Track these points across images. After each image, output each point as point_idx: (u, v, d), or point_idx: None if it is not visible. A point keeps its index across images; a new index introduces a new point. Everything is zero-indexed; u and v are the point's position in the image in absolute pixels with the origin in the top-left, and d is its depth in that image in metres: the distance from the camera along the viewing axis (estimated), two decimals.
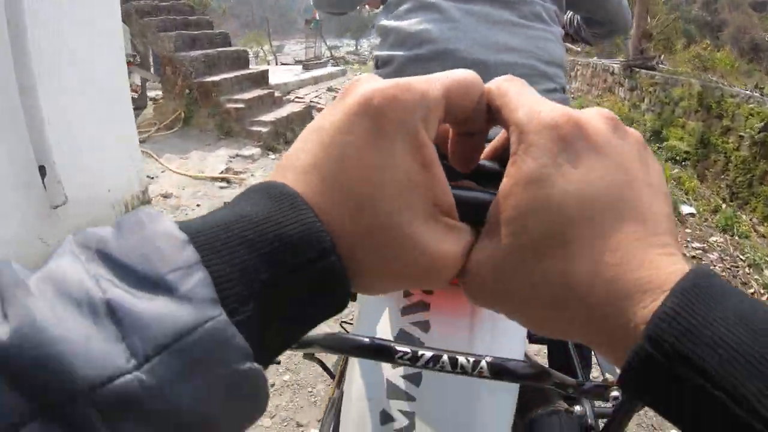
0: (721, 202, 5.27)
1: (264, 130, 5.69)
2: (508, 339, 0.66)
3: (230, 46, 6.99)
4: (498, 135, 0.34)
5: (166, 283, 0.19)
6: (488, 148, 0.33)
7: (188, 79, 5.98)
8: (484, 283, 0.27)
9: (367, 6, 1.40)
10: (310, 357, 0.82)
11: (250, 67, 7.04)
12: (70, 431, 0.16)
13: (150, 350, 0.18)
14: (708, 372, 0.19)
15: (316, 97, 8.65)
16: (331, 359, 1.05)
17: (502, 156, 0.32)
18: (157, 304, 0.19)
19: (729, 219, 4.66)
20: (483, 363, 0.48)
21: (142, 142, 5.59)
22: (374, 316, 0.69)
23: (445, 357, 0.48)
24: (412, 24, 1.03)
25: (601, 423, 0.67)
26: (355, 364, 0.66)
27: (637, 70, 8.17)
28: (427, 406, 0.60)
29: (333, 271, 0.24)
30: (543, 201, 0.24)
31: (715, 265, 3.78)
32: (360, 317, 0.75)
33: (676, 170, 6.04)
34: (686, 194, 5.52)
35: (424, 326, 0.65)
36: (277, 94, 6.67)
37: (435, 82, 0.27)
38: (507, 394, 0.64)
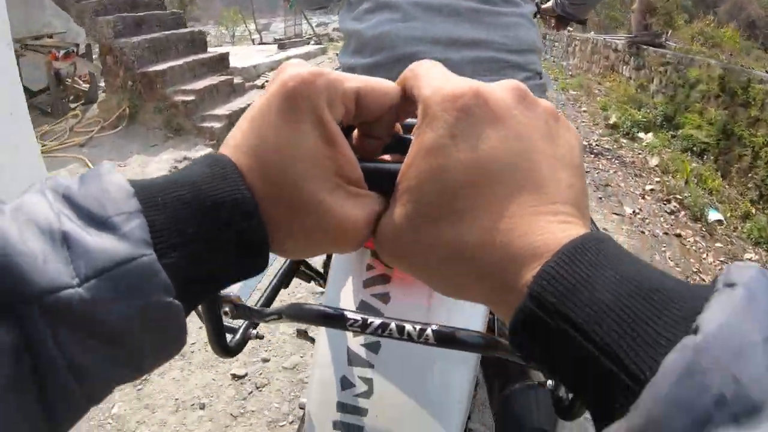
0: (750, 205, 4.53)
1: (217, 125, 4.86)
2: (466, 312, 0.69)
3: (185, 27, 6.09)
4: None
5: (112, 223, 0.23)
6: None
7: (131, 69, 5.11)
8: (388, 245, 0.29)
9: None
10: (303, 336, 0.91)
11: (209, 50, 6.14)
12: (19, 326, 0.20)
13: (91, 272, 0.22)
14: (583, 328, 0.21)
15: None
16: None
17: None
18: (102, 239, 0.23)
19: (763, 230, 3.94)
20: (429, 330, 0.49)
21: (82, 145, 4.87)
22: (339, 289, 0.74)
23: (393, 324, 0.50)
24: (369, 27, 0.99)
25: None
26: (322, 333, 0.71)
27: (644, 47, 7.35)
28: (385, 373, 0.66)
29: (254, 231, 0.27)
30: (437, 170, 0.26)
31: None
32: (327, 290, 0.77)
33: (694, 164, 5.28)
34: (710, 194, 4.78)
35: (384, 298, 0.70)
36: (237, 80, 5.79)
37: (353, 80, 0.30)
38: (464, 365, 0.67)
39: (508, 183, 0.25)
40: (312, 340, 0.92)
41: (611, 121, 6.72)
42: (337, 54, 10.80)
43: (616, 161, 5.40)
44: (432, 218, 0.27)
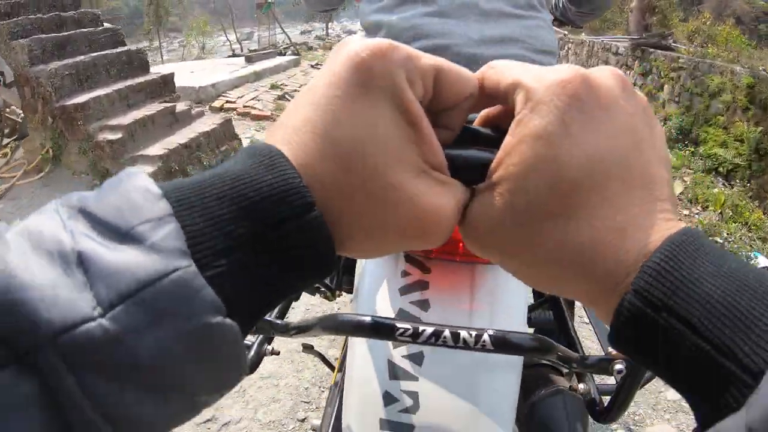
0: None
1: (149, 169, 3.95)
2: (508, 315, 0.65)
3: (123, 45, 5.17)
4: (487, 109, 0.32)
5: (136, 233, 0.19)
6: (479, 118, 0.32)
7: (49, 102, 4.19)
8: (483, 237, 0.27)
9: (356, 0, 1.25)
10: (309, 350, 0.84)
11: (152, 71, 5.22)
12: (40, 377, 0.17)
13: (115, 298, 0.18)
14: (693, 324, 0.20)
15: (253, 99, 6.88)
16: (329, 352, 1.18)
17: (495, 124, 0.31)
18: (125, 254, 0.19)
19: None
20: (485, 336, 0.47)
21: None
22: (372, 297, 0.69)
23: (447, 332, 0.47)
24: (402, 19, 0.98)
25: (606, 400, 0.62)
26: (355, 347, 0.66)
27: (651, 50, 6.56)
28: (431, 385, 0.61)
29: (314, 227, 0.23)
30: (548, 161, 0.24)
31: None
32: (358, 299, 0.74)
33: (719, 187, 4.48)
34: (749, 230, 3.97)
35: (424, 305, 0.65)
36: (182, 106, 4.85)
37: (430, 58, 0.27)
38: (510, 372, 0.63)
39: (623, 178, 0.24)
40: (318, 354, 0.90)
41: None
42: (312, 65, 9.91)
43: None
44: (540, 212, 0.24)
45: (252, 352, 0.61)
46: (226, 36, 18.67)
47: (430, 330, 0.46)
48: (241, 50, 13.62)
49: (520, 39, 0.97)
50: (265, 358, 0.63)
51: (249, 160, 0.24)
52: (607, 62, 7.85)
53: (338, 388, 0.77)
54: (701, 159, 5.06)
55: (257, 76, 8.07)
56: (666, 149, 0.27)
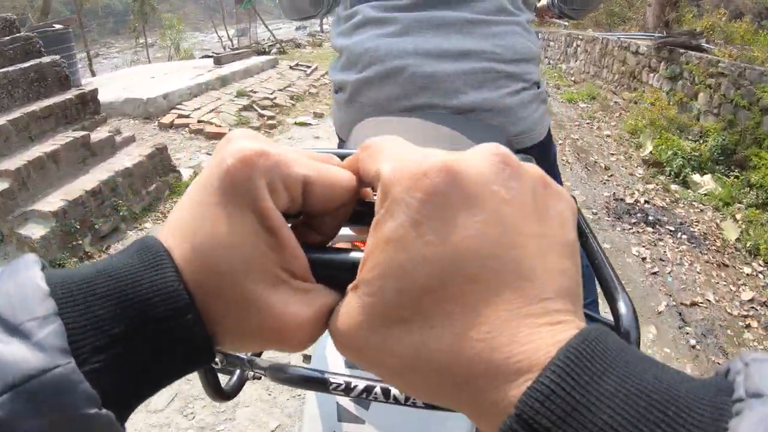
0: None
1: (41, 232, 2.91)
2: None
3: (39, 55, 4.12)
4: None
5: (24, 330, 0.21)
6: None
7: None
8: (344, 341, 0.25)
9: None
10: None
11: (73, 88, 4.17)
12: None
13: (1, 387, 0.20)
14: None
15: (213, 111, 5.84)
16: None
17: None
18: (13, 348, 0.21)
19: None
20: None
21: None
22: (325, 348, 0.72)
23: (378, 387, 0.48)
24: (359, 42, 0.96)
25: None
26: (310, 392, 0.68)
27: (680, 50, 5.54)
28: (376, 429, 0.63)
29: (190, 326, 0.24)
30: (397, 266, 0.22)
31: None
32: (314, 348, 0.75)
33: None
34: None
35: None
36: (102, 135, 3.78)
37: (302, 165, 0.26)
38: (460, 425, 0.64)
39: (486, 280, 0.21)
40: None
41: (645, 153, 4.93)
42: (291, 66, 8.88)
43: (682, 234, 3.59)
44: (394, 318, 0.23)
45: (234, 379, 0.60)
46: (217, 33, 17.66)
47: (362, 385, 0.47)
48: (233, 47, 12.53)
49: (485, 50, 0.91)
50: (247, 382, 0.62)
51: (136, 257, 0.25)
52: (625, 62, 6.84)
53: None
54: (751, 191, 4.08)
55: (223, 81, 7.01)
56: (567, 230, 0.24)
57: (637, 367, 0.19)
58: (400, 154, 0.25)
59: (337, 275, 0.27)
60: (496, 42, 0.91)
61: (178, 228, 0.25)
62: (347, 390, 0.47)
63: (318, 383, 0.48)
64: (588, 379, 0.18)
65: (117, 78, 7.70)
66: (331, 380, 0.48)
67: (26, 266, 0.23)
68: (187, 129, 5.32)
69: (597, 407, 0.18)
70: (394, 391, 0.47)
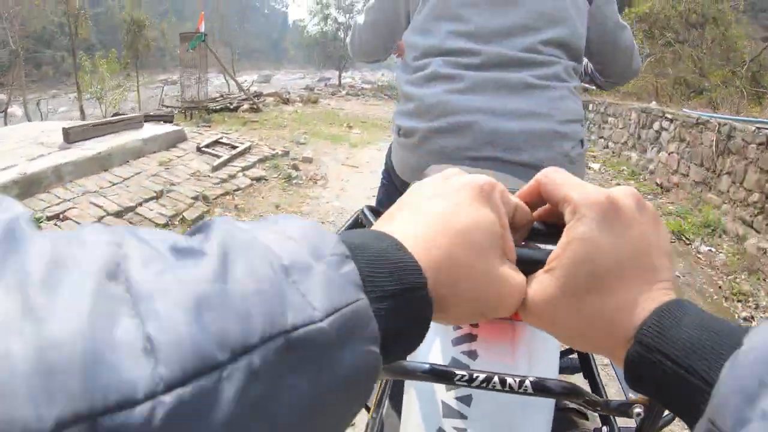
0: None
1: None
2: (543, 364, 0.74)
3: None
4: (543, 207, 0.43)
5: (330, 262, 0.25)
6: (537, 212, 0.43)
7: None
8: (541, 311, 0.36)
9: (395, 54, 1.49)
10: None
11: None
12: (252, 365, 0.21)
13: (330, 307, 0.23)
14: (671, 357, 0.30)
15: None
16: None
17: (548, 220, 0.42)
18: (327, 276, 0.24)
19: None
20: (527, 382, 0.55)
21: None
22: (426, 348, 0.76)
23: (495, 378, 0.55)
24: (431, 95, 1.08)
25: None
26: (411, 389, 0.74)
27: None
28: (478, 423, 0.68)
29: (424, 298, 0.30)
30: (590, 256, 0.34)
31: None
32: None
33: None
34: None
35: (472, 354, 0.73)
36: None
37: (512, 198, 0.39)
38: (544, 413, 0.71)
39: (635, 268, 0.34)
40: None
41: None
42: (201, 146, 6.93)
43: None
44: (583, 291, 0.34)
45: None
46: (226, 79, 15.36)
47: (482, 376, 0.54)
48: (247, 94, 10.89)
49: (543, 113, 1.04)
50: None
51: (384, 240, 0.31)
52: (760, 166, 3.79)
53: (373, 428, 0.80)
54: None
55: (58, 175, 4.38)
56: (668, 244, 0.38)
57: (705, 315, 0.31)
58: (578, 185, 0.37)
59: (526, 266, 0.38)
60: (554, 105, 1.05)
61: (425, 221, 0.34)
62: (470, 381, 0.54)
63: (445, 376, 0.55)
64: (676, 317, 0.31)
65: None
66: (457, 372, 0.55)
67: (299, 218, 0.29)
68: None
69: (678, 330, 0.30)
70: (509, 380, 0.54)
